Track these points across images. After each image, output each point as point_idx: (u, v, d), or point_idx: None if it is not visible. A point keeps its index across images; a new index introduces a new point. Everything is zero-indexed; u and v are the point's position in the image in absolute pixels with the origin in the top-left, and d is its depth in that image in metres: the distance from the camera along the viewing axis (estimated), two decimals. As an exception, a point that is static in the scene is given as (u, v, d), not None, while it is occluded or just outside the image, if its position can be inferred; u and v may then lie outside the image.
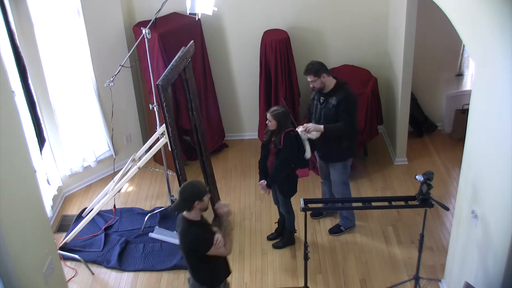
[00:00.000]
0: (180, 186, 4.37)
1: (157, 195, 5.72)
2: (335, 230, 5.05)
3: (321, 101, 4.57)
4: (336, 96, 4.46)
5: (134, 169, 4.76)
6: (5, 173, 2.69)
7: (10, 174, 2.76)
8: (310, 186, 5.63)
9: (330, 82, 4.50)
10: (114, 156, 5.80)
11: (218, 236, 3.41)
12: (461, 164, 3.82)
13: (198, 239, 3.38)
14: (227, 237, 3.48)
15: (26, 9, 4.73)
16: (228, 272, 3.67)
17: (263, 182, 4.57)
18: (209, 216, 4.16)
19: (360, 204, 4.19)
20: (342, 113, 4.46)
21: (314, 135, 4.49)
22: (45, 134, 5.01)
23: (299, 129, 4.49)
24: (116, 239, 5.06)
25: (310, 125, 4.49)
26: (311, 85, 4.54)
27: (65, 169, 5.63)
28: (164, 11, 5.41)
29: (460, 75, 6.34)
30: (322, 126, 4.49)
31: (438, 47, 6.02)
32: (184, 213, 3.39)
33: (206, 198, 3.36)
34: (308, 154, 4.50)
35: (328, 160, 4.81)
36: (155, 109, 4.91)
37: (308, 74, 4.49)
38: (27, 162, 3.04)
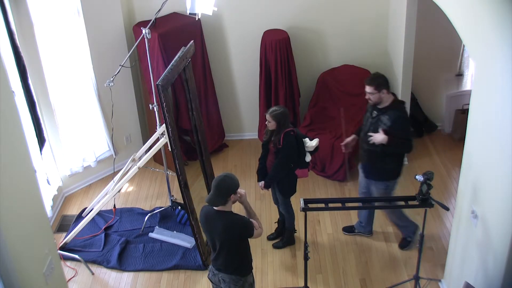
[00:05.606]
0: (180, 187, 4.38)
1: (157, 195, 5.72)
2: (404, 244, 4.84)
3: (373, 115, 4.34)
4: (389, 115, 4.21)
5: (134, 169, 4.76)
6: (5, 173, 2.68)
7: (10, 174, 2.76)
8: (310, 186, 5.63)
9: (387, 98, 4.24)
10: (114, 156, 5.80)
11: (251, 219, 3.53)
12: (461, 164, 3.82)
13: (246, 224, 3.46)
14: (255, 218, 3.58)
15: (26, 9, 4.73)
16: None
17: (262, 183, 4.60)
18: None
19: (360, 204, 4.19)
20: (400, 132, 4.21)
21: (315, 143, 4.48)
22: (45, 134, 5.00)
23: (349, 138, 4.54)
24: (116, 239, 5.06)
25: (377, 136, 4.23)
26: (367, 97, 4.27)
27: (65, 169, 5.63)
28: (164, 11, 5.41)
29: (460, 75, 6.34)
30: (386, 138, 4.18)
31: (438, 47, 6.02)
32: (217, 207, 3.43)
33: (238, 190, 3.44)
34: (308, 157, 4.51)
35: (370, 177, 4.55)
36: (155, 109, 4.91)
37: (369, 85, 4.21)
38: (27, 162, 3.04)
